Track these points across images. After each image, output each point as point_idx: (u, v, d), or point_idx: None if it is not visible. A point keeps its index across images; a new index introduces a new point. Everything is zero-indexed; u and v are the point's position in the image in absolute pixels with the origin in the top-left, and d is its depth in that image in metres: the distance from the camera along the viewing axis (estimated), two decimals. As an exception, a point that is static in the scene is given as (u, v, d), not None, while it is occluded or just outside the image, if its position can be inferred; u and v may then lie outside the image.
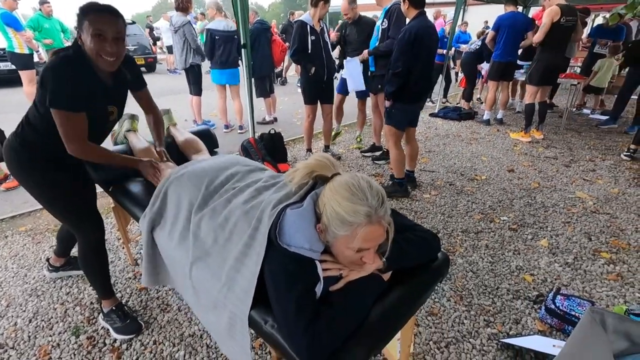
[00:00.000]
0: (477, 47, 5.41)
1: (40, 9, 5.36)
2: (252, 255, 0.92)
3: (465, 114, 5.46)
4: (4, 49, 5.14)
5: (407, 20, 2.66)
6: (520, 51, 4.79)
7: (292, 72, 9.78)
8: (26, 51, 4.90)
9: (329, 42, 3.38)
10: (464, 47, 6.00)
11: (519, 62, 5.04)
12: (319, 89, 3.43)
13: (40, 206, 2.67)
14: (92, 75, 1.29)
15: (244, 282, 0.91)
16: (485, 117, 5.17)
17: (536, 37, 4.03)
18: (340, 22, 4.77)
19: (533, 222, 2.57)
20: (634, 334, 1.23)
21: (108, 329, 1.62)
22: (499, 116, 5.22)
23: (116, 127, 1.88)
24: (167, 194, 1.23)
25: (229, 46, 4.27)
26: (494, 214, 2.69)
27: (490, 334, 1.62)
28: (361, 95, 3.96)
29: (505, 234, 2.42)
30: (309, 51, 3.17)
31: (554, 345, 1.42)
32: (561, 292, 1.73)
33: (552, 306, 1.66)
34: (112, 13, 1.22)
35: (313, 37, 3.15)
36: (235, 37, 4.14)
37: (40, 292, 1.88)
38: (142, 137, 1.82)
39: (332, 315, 0.80)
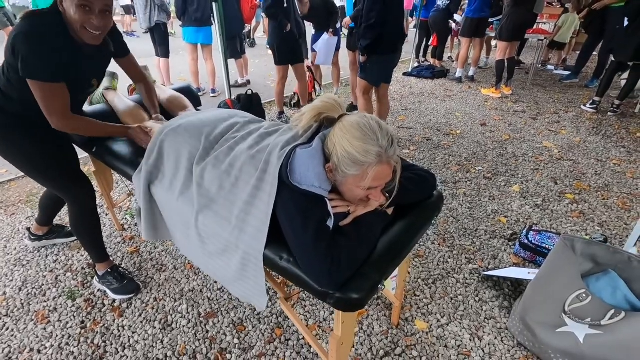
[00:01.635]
0: (447, 3, 5.35)
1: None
2: (261, 196, 0.94)
3: (438, 72, 5.52)
4: None
5: None
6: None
7: (261, 33, 9.37)
8: None
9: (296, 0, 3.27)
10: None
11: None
12: (291, 48, 3.32)
13: (7, 178, 2.53)
14: (72, 46, 1.19)
15: (256, 222, 0.93)
16: (457, 74, 5.26)
17: None
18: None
19: (505, 170, 2.74)
20: (598, 256, 1.39)
21: (105, 291, 1.62)
22: (471, 73, 5.33)
23: None
24: (163, 147, 1.19)
25: (204, 1, 3.93)
26: (470, 165, 2.83)
27: (471, 269, 1.77)
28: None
29: (481, 182, 2.57)
30: (285, 6, 3.04)
31: (528, 272, 1.58)
32: (533, 228, 1.89)
33: (526, 241, 1.83)
34: None
35: None
36: None
37: (25, 262, 1.82)
38: (125, 96, 1.72)
39: (347, 244, 0.85)
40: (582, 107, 4.12)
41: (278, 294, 1.47)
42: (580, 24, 5.54)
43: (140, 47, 6.18)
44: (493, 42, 6.54)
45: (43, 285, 1.68)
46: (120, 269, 1.67)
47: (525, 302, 1.40)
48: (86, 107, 1.66)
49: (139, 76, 1.57)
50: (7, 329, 1.47)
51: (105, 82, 1.74)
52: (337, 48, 4.04)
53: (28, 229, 1.90)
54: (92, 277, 1.68)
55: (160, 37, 4.23)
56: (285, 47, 3.29)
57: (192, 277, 1.72)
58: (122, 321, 1.50)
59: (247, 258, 0.96)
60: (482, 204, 2.31)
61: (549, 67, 6.30)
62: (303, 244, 0.84)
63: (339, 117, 0.92)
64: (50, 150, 1.39)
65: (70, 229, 1.74)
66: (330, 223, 0.88)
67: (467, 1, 4.93)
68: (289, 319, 1.49)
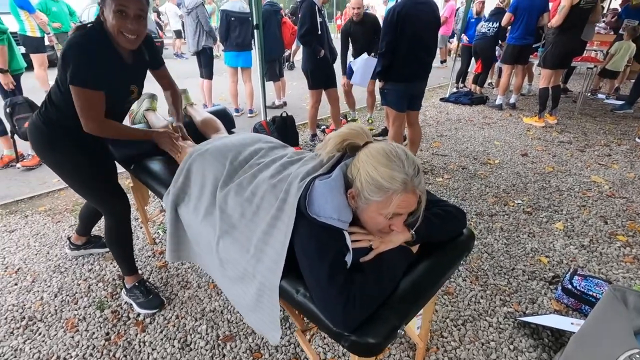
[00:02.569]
0: (496, 30, 5.19)
1: (48, -8, 5.31)
2: (280, 227, 0.93)
3: (477, 98, 5.38)
4: (15, 33, 5.13)
5: None
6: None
7: (300, 57, 9.69)
8: (38, 34, 4.88)
9: (328, 26, 3.35)
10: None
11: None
12: (325, 73, 3.38)
13: (58, 187, 2.71)
14: (114, 54, 1.29)
15: (272, 254, 0.93)
16: (498, 101, 5.09)
17: (555, 20, 3.91)
18: (348, 5, 4.72)
19: (548, 205, 2.56)
20: (655, 312, 1.23)
21: (131, 304, 1.66)
22: (512, 100, 5.13)
23: (134, 106, 1.89)
24: (191, 170, 1.23)
25: (245, 28, 4.14)
26: (508, 197, 2.67)
27: (506, 313, 1.64)
28: (372, 77, 3.94)
29: (520, 217, 2.42)
30: (319, 32, 3.12)
31: (572, 323, 1.43)
32: (578, 272, 1.73)
33: (569, 286, 1.67)
34: None
35: (320, 19, 3.10)
36: (250, 18, 4.06)
37: (64, 269, 1.93)
38: (161, 116, 1.82)
39: (365, 282, 0.81)
40: (637, 139, 3.81)
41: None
42: (635, 52, 5.22)
43: (188, 68, 6.58)
44: (535, 69, 6.29)
45: (76, 293, 1.76)
46: (147, 283, 1.72)
47: (568, 358, 1.26)
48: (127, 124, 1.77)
49: (169, 85, 1.66)
50: (40, 334, 1.54)
51: (145, 104, 1.86)
52: (374, 76, 4.02)
53: (69, 238, 2.01)
54: (121, 289, 1.73)
55: (205, 60, 4.49)
56: (319, 72, 3.36)
57: (214, 296, 1.73)
58: (144, 336, 1.52)
59: (262, 289, 0.94)
60: (520, 241, 2.16)
61: (600, 96, 5.94)
62: (318, 278, 0.82)
63: (364, 144, 0.90)
64: (96, 164, 1.48)
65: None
66: (349, 258, 0.85)
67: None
68: (306, 350, 1.44)
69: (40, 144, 1.41)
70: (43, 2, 5.28)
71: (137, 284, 1.67)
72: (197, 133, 1.81)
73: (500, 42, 5.30)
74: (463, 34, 5.88)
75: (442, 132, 4.16)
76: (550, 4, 4.46)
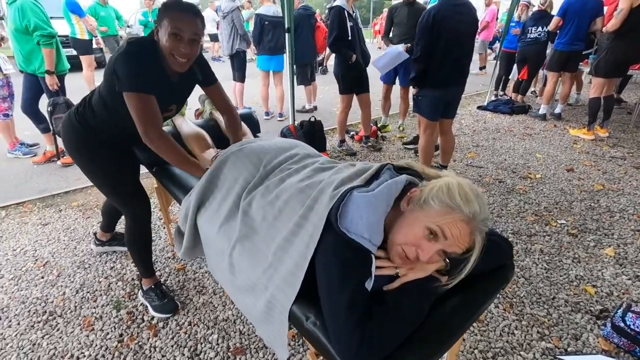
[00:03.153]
0: (546, 36, 4.83)
1: (97, -2, 5.64)
2: (302, 236, 0.85)
3: (518, 107, 5.06)
4: (66, 36, 5.49)
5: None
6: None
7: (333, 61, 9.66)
8: (87, 37, 5.20)
9: (361, 29, 3.25)
10: (515, 31, 5.39)
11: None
12: (356, 78, 3.30)
13: (91, 184, 2.81)
14: (161, 71, 1.27)
15: (291, 264, 0.85)
16: (542, 111, 4.75)
17: (611, 24, 3.57)
18: (385, 10, 4.58)
19: (596, 227, 2.31)
20: None
21: (147, 306, 1.65)
22: (558, 110, 4.78)
23: (206, 106, 1.94)
24: (222, 169, 1.20)
25: (278, 32, 4.17)
26: (550, 216, 2.45)
27: (545, 349, 1.46)
28: (405, 83, 3.81)
29: (563, 239, 2.19)
30: (349, 38, 3.04)
31: (624, 370, 1.24)
32: (632, 309, 1.52)
33: (621, 324, 1.47)
34: (193, 13, 1.18)
35: (351, 23, 3.02)
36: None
37: (87, 265, 1.96)
38: (191, 121, 1.81)
39: (385, 318, 0.72)
40: None
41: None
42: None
43: (224, 71, 6.74)
44: (585, 77, 5.83)
45: (96, 290, 1.78)
46: (163, 286, 1.70)
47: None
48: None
49: (225, 107, 1.56)
50: (58, 329, 1.56)
51: (208, 105, 1.88)
52: (408, 82, 3.87)
53: (95, 234, 2.05)
54: (139, 290, 1.73)
55: (239, 63, 4.55)
56: (350, 77, 3.28)
57: (228, 304, 1.68)
58: (155, 341, 1.50)
59: (273, 303, 0.87)
60: (563, 267, 1.95)
61: (660, 107, 5.40)
62: (335, 307, 0.73)
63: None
64: (122, 168, 1.49)
65: None
66: (369, 285, 0.75)
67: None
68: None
69: (74, 144, 1.42)
70: (92, 7, 5.60)
71: (153, 286, 1.66)
72: (222, 137, 1.79)
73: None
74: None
75: (479, 142, 3.93)
76: (605, 8, 4.11)
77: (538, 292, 1.77)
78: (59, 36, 3.01)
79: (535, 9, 5.07)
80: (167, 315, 1.61)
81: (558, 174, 3.11)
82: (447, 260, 0.79)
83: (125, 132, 1.33)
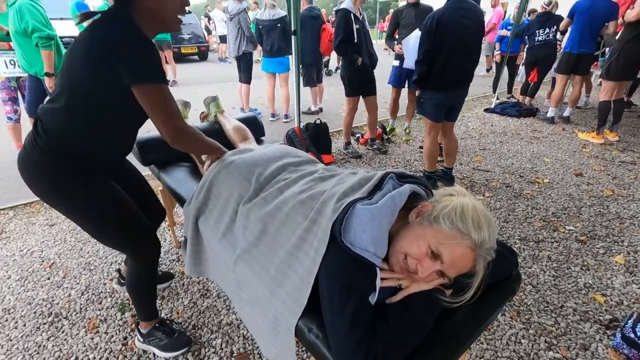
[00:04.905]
0: (554, 38, 4.76)
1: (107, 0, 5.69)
2: (307, 250, 0.84)
3: (526, 110, 5.01)
4: (74, 37, 5.53)
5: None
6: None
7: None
8: None
9: (369, 31, 3.23)
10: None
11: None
12: (363, 80, 3.28)
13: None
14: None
15: (297, 279, 0.84)
16: (550, 114, 4.69)
17: (635, 14, 3.39)
18: (391, 11, 4.54)
19: (606, 234, 2.27)
20: None
21: (153, 352, 1.43)
22: (566, 114, 4.72)
23: (210, 108, 1.95)
24: (214, 183, 1.18)
25: (272, 35, 4.26)
26: (558, 222, 2.41)
27: (552, 359, 1.44)
28: (414, 87, 3.79)
29: (572, 245, 2.16)
30: (355, 40, 3.03)
31: (635, 383, 1.22)
32: (643, 319, 1.49)
33: (632, 335, 1.44)
34: None
35: (357, 26, 3.01)
36: (278, 25, 4.17)
37: (93, 267, 1.97)
38: (231, 118, 1.86)
39: (389, 333, 0.71)
40: None
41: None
42: None
43: (230, 73, 6.74)
44: (593, 79, 5.75)
45: (101, 292, 1.79)
46: (169, 321, 1.51)
47: None
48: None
49: None
50: (63, 331, 1.56)
51: (213, 107, 1.92)
52: (412, 85, 3.88)
53: (118, 271, 1.78)
54: (135, 336, 1.48)
55: (245, 64, 4.56)
56: (357, 79, 3.26)
57: (232, 309, 1.68)
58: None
59: (279, 318, 0.86)
60: (571, 274, 1.92)
61: (671, 111, 5.32)
62: (337, 320, 0.72)
63: None
64: (124, 196, 1.19)
65: None
66: (373, 299, 0.74)
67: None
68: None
69: (44, 182, 1.06)
70: (102, 7, 5.66)
71: (157, 324, 1.43)
72: (226, 141, 1.79)
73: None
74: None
75: (485, 145, 3.90)
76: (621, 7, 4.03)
77: (546, 300, 1.74)
78: (67, 37, 3.01)
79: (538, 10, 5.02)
80: (182, 352, 1.42)
81: (566, 179, 3.07)
82: (450, 278, 0.78)
83: (120, 144, 1.13)
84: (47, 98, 1.07)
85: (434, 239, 0.75)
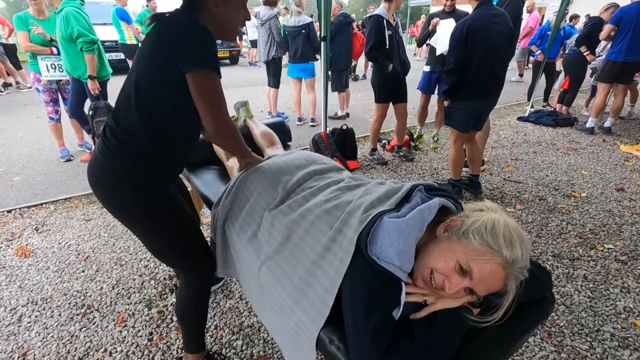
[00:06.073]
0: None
1: (147, 6, 5.98)
2: (331, 260, 0.84)
3: (563, 119, 4.78)
4: (115, 41, 5.86)
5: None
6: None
7: (370, 68, 9.61)
8: (134, 42, 5.54)
9: (402, 37, 3.20)
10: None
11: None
12: (393, 87, 3.25)
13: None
14: None
15: (320, 289, 0.83)
16: (589, 124, 4.46)
17: None
18: (423, 16, 4.46)
19: (649, 255, 2.12)
20: None
21: None
22: (607, 124, 4.47)
23: (240, 112, 2.00)
24: (241, 188, 1.20)
25: (297, 41, 4.33)
26: (596, 239, 2.28)
27: (586, 386, 1.36)
28: (443, 95, 3.72)
29: (611, 265, 2.03)
30: (387, 47, 3.01)
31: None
32: (691, 351, 1.37)
33: (677, 367, 1.33)
34: None
35: (389, 32, 2.99)
36: (303, 31, 4.24)
37: (124, 262, 2.06)
38: (260, 123, 1.90)
39: (412, 350, 0.69)
40: None
41: None
42: None
43: (260, 76, 6.89)
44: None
45: (131, 287, 1.86)
46: (216, 355, 1.44)
47: None
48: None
49: None
50: (94, 323, 1.64)
51: (243, 112, 1.97)
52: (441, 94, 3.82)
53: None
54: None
55: (274, 69, 4.64)
56: (387, 86, 3.23)
57: (253, 311, 1.70)
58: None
59: (300, 327, 0.86)
60: (609, 296, 1.80)
61: None
62: (359, 336, 0.71)
63: None
64: (187, 210, 1.16)
65: None
66: (397, 314, 0.73)
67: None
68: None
69: (126, 192, 1.03)
70: (142, 14, 5.95)
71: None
72: (254, 145, 1.82)
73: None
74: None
75: (518, 155, 3.75)
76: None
77: (580, 323, 1.64)
78: (108, 41, 3.17)
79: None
80: None
81: (606, 194, 2.90)
82: (479, 296, 0.75)
83: (184, 152, 1.13)
84: (114, 103, 1.08)
85: (462, 254, 0.73)
